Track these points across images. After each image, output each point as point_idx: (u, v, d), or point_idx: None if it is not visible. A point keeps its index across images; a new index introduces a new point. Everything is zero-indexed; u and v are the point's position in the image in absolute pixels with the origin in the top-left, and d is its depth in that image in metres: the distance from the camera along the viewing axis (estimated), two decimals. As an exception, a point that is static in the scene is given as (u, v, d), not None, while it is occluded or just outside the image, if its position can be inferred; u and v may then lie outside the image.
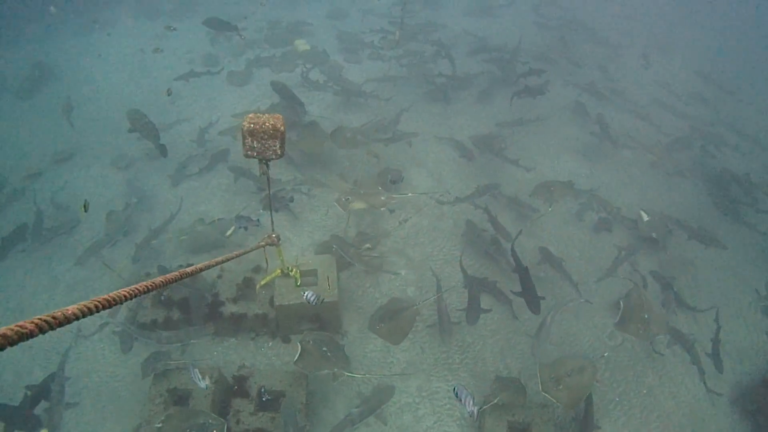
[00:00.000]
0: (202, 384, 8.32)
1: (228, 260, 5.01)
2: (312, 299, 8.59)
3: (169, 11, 26.36)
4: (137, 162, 15.22)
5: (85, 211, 10.43)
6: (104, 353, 10.38)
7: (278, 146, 6.43)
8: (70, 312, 1.86)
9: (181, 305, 10.38)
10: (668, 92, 21.16)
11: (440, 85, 18.24)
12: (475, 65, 20.08)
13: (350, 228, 12.73)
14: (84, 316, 1.95)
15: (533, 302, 9.77)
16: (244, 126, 6.25)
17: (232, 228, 12.37)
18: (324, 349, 9.33)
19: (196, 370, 8.34)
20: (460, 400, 7.01)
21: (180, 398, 8.95)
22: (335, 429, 9.04)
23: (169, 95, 16.44)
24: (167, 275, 3.05)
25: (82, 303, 1.97)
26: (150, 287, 2.70)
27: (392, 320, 9.80)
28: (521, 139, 16.24)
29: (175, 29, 19.46)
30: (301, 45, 21.39)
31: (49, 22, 24.39)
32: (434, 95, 18.15)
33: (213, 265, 4.22)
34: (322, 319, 10.37)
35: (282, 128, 6.32)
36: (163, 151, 13.46)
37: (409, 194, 13.15)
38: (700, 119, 19.43)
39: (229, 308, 10.35)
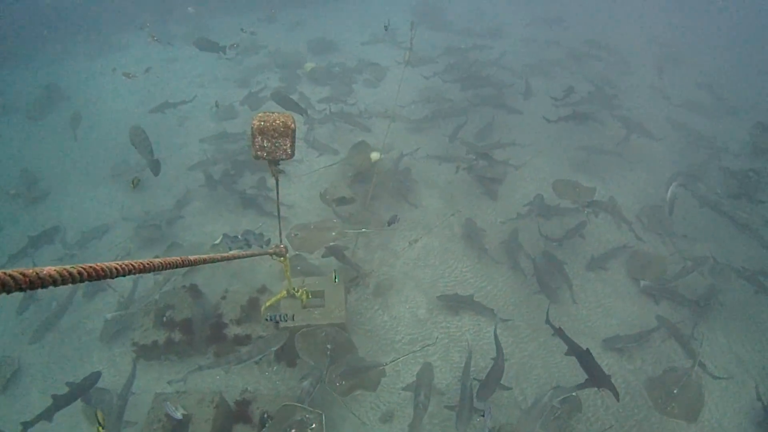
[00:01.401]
0: (177, 414, 8.00)
1: (233, 258, 4.74)
2: (277, 319, 8.42)
3: (182, 35, 26.58)
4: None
5: (134, 186, 10.28)
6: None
7: (289, 145, 6.17)
8: (45, 272, 1.67)
9: (184, 326, 10.03)
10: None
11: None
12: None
13: (358, 249, 12.42)
14: (64, 282, 1.79)
15: (606, 386, 8.21)
16: (254, 124, 6.01)
17: (220, 238, 12.09)
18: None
19: (168, 402, 8.07)
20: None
21: (179, 423, 8.54)
22: (414, 420, 8.74)
23: (217, 107, 17.96)
24: (167, 258, 2.84)
25: (64, 267, 1.80)
26: (146, 267, 2.50)
27: (354, 378, 8.94)
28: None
29: (138, 74, 19.37)
30: (309, 66, 21.41)
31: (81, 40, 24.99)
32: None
33: (218, 260, 3.98)
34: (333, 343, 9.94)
35: (293, 126, 6.07)
36: (155, 168, 13.17)
37: (363, 229, 12.39)
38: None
39: (233, 330, 9.98)
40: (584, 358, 8.45)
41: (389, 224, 11.58)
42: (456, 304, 11.23)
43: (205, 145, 16.46)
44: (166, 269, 2.80)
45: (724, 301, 11.73)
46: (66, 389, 8.96)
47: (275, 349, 9.49)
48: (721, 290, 11.85)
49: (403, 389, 9.63)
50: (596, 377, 8.26)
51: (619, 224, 13.08)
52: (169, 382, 9.33)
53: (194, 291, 10.60)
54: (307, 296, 9.56)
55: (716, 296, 11.65)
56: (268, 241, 11.57)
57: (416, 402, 8.90)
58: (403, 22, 23.84)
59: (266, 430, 8.05)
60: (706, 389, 9.63)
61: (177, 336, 9.97)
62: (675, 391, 9.19)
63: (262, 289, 10.70)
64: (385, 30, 16.87)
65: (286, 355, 10.03)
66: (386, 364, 9.36)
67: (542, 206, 13.36)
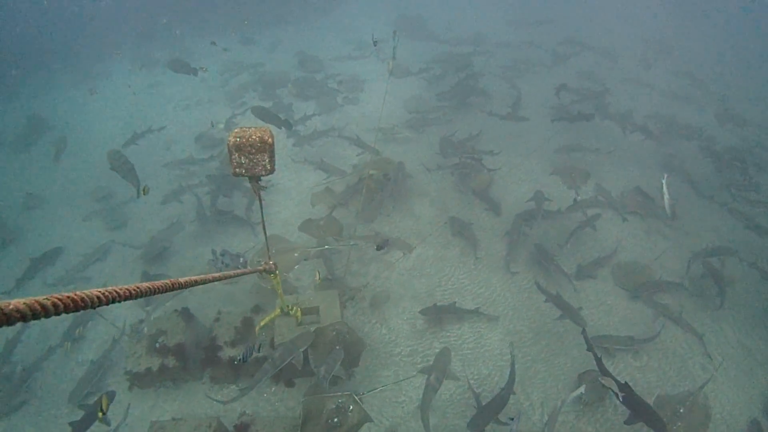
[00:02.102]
0: None
1: (223, 279, 4.49)
2: (245, 353, 7.98)
3: (166, 60, 26.46)
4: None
5: (144, 194, 10.04)
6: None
7: (267, 160, 6.00)
8: (12, 306, 1.44)
9: (177, 352, 9.76)
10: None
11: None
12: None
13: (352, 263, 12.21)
14: (35, 316, 1.53)
15: (655, 424, 7.91)
16: (229, 141, 5.84)
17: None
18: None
19: None
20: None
21: (177, 453, 8.27)
22: (425, 398, 8.87)
23: (213, 127, 18.29)
24: (155, 283, 2.58)
25: (35, 298, 1.54)
26: (133, 293, 2.25)
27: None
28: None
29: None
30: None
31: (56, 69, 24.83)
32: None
33: (209, 281, 3.74)
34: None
35: (270, 140, 5.90)
36: (138, 189, 12.90)
37: (326, 246, 11.91)
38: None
39: (227, 352, 9.70)
40: (626, 392, 8.10)
41: (378, 249, 11.21)
42: (439, 315, 10.83)
43: (174, 170, 16.40)
44: (154, 294, 2.54)
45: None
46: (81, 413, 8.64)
47: (304, 349, 9.11)
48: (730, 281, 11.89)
49: (419, 371, 9.82)
50: (640, 413, 8.01)
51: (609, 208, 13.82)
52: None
53: (186, 314, 10.32)
54: (302, 313, 9.37)
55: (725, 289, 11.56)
56: (245, 263, 11.31)
57: (428, 381, 9.04)
58: (384, 34, 23.96)
59: (307, 429, 7.91)
60: (712, 408, 9.40)
61: (171, 362, 9.70)
62: (681, 411, 8.98)
63: (256, 309, 10.43)
64: (374, 45, 16.21)
65: (285, 376, 9.77)
66: (363, 394, 8.87)
67: (541, 200, 13.31)
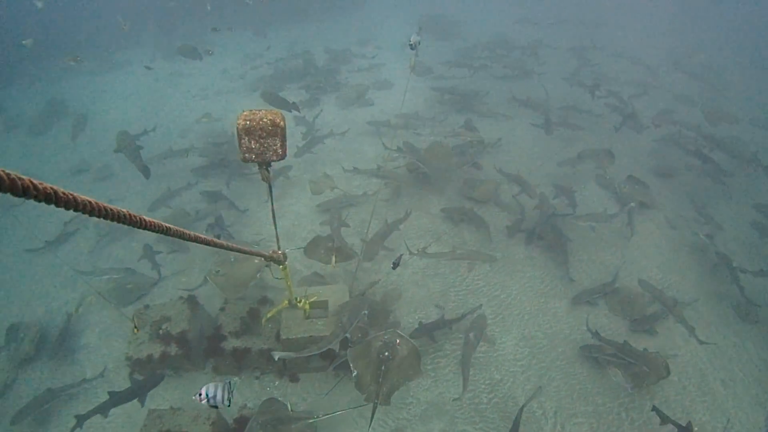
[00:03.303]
0: None
1: (227, 248, 4.28)
2: (213, 396, 6.39)
3: (177, 47, 26.46)
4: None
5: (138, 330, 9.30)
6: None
7: (279, 145, 5.69)
8: None
9: (180, 340, 9.48)
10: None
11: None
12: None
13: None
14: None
15: None
16: (239, 124, 5.53)
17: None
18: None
19: None
20: None
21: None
22: (465, 354, 9.22)
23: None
24: (151, 219, 2.61)
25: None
26: (135, 221, 2.35)
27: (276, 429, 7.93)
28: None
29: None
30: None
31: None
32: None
33: (211, 244, 3.67)
34: (333, 355, 9.32)
35: (282, 123, 5.60)
36: (145, 172, 13.28)
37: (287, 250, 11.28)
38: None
39: (232, 343, 9.39)
40: None
41: (394, 267, 9.74)
42: (430, 333, 10.13)
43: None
44: (148, 229, 2.57)
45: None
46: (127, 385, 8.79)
47: (366, 312, 9.24)
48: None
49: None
50: None
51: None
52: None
53: (192, 302, 10.05)
54: (310, 306, 9.05)
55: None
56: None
57: (466, 338, 9.45)
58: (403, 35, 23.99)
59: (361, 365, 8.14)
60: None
61: (173, 350, 9.42)
62: None
63: (263, 300, 10.14)
64: (411, 49, 13.91)
65: (289, 370, 9.46)
66: (317, 418, 8.25)
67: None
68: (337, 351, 9.01)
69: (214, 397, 6.23)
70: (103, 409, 8.48)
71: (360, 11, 34.00)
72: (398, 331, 8.43)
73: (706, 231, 13.16)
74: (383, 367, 7.96)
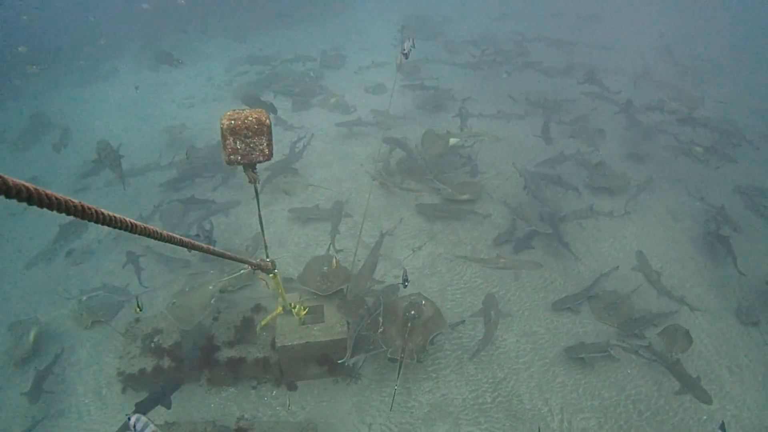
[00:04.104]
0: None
1: (212, 254, 4.04)
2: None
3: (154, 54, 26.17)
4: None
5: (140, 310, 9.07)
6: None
7: (265, 144, 5.45)
8: None
9: (173, 352, 9.21)
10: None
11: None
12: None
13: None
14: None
15: None
16: (223, 124, 5.30)
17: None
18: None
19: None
20: None
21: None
22: (487, 333, 9.66)
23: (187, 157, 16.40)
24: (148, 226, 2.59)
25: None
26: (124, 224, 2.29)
27: None
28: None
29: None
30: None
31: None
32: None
33: (196, 248, 3.52)
34: (331, 361, 9.08)
35: (268, 122, 5.36)
36: (123, 181, 13.41)
37: (242, 271, 10.43)
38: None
39: (226, 353, 9.12)
40: None
41: (405, 284, 9.42)
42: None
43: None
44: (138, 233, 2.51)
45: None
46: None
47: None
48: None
49: (471, 316, 10.30)
50: None
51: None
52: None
53: (184, 313, 9.78)
54: (305, 312, 8.80)
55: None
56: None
57: (487, 318, 9.90)
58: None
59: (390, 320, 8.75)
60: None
61: (166, 363, 9.15)
62: None
63: (257, 308, 9.88)
64: (405, 58, 13.50)
65: (286, 379, 9.20)
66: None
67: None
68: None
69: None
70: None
71: (345, 14, 33.66)
72: (423, 294, 8.92)
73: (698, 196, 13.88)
74: (409, 325, 8.50)
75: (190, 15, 29.45)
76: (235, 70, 24.05)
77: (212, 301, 9.59)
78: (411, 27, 25.68)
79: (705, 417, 8.52)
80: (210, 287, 9.65)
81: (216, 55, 26.73)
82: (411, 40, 13.28)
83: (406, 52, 13.02)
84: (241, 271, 10.21)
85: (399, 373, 8.43)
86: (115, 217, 2.16)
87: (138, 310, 8.88)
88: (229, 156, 5.44)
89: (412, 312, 8.61)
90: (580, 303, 10.64)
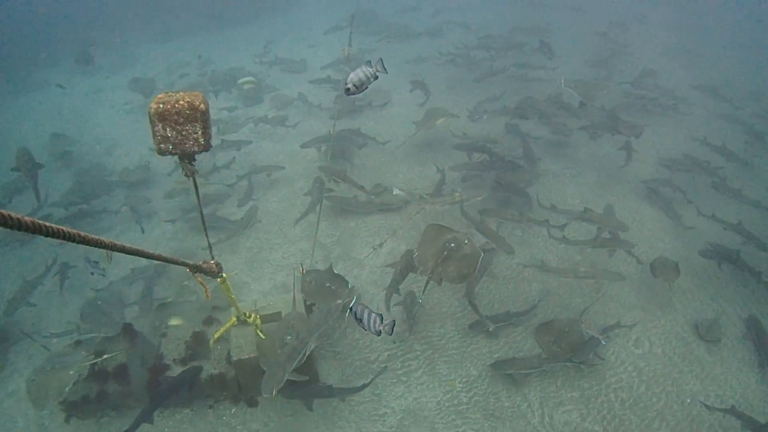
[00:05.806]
0: None
1: (151, 258, 3.69)
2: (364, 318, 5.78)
3: (108, 65, 24.89)
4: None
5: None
6: None
7: (200, 133, 4.82)
8: None
9: (118, 374, 8.35)
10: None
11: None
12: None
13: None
14: None
15: None
16: (151, 109, 4.66)
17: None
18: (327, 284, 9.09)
19: None
20: None
21: None
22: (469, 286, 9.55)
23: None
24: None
25: None
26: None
27: None
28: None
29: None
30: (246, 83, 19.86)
31: None
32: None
33: (138, 254, 3.30)
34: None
35: (202, 107, 4.72)
36: (37, 194, 12.60)
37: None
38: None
39: (177, 371, 8.32)
40: None
41: (412, 306, 9.72)
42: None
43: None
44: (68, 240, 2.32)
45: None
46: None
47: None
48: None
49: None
50: None
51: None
52: None
53: (129, 331, 8.87)
54: (261, 321, 8.11)
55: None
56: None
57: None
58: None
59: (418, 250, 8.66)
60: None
61: (111, 387, 8.29)
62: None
63: (208, 321, 9.09)
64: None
65: (245, 395, 8.48)
66: None
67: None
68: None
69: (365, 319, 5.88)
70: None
71: (287, 14, 32.81)
72: (468, 236, 8.65)
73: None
74: (445, 253, 8.29)
75: (125, 19, 28.41)
76: (176, 72, 23.02)
77: (67, 389, 8.04)
78: (359, 22, 25.20)
79: (688, 400, 8.24)
80: (71, 372, 8.23)
81: (153, 61, 25.62)
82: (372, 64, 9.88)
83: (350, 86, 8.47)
84: (114, 354, 8.50)
85: (425, 289, 8.36)
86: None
87: (109, 260, 8.82)
88: (159, 145, 4.80)
89: (452, 244, 8.38)
90: (500, 326, 9.58)
